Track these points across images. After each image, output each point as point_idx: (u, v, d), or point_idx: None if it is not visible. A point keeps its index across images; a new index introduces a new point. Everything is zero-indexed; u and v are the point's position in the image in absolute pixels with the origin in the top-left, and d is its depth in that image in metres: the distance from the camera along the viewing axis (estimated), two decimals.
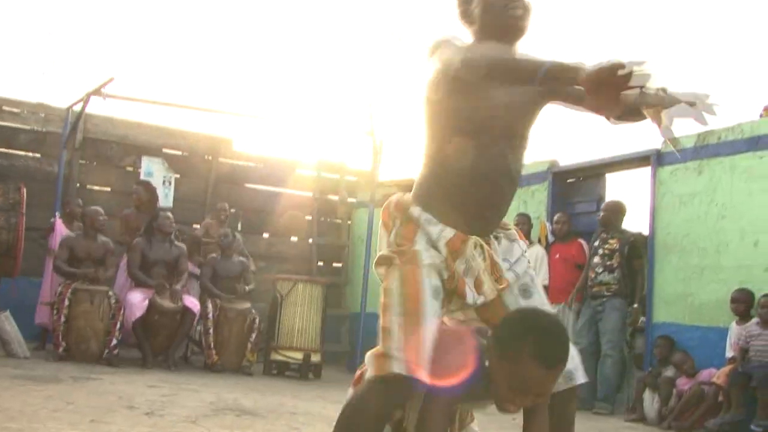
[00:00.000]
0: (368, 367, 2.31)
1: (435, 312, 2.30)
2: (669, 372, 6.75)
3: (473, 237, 2.39)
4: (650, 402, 6.78)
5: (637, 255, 7.47)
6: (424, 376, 2.19)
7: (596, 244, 7.65)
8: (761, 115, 6.87)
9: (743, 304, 6.34)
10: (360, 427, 2.30)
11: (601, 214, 7.71)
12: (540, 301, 2.52)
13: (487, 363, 2.29)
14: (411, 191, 2.49)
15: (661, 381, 6.69)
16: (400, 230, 2.43)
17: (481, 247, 2.40)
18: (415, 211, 2.42)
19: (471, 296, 2.38)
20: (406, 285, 2.31)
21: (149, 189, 8.87)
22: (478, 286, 2.39)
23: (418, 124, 2.51)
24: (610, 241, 7.54)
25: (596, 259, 7.58)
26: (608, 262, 7.48)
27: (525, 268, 2.53)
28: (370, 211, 9.81)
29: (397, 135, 15.31)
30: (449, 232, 2.37)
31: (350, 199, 11.91)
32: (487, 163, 2.38)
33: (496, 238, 2.49)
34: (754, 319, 6.20)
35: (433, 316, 2.29)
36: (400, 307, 2.29)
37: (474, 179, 2.38)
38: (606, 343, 7.33)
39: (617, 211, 7.68)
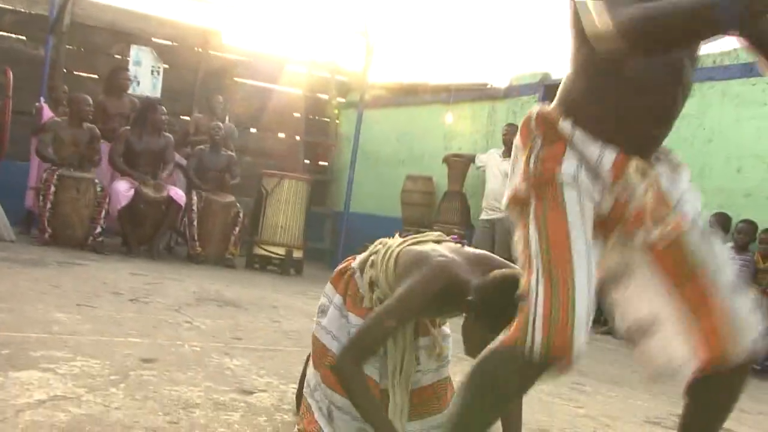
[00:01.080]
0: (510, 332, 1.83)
1: (590, 268, 1.80)
2: None
3: (634, 159, 1.89)
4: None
5: None
6: (575, 353, 1.74)
7: None
8: None
9: (719, 228, 6.43)
10: (494, 404, 1.89)
11: None
12: (721, 250, 1.95)
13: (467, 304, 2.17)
14: (556, 101, 1.97)
15: None
16: (543, 151, 1.89)
17: (644, 172, 1.89)
18: (566, 126, 1.89)
19: (642, 233, 1.91)
20: (550, 232, 1.81)
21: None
22: (641, 219, 1.91)
23: (567, 17, 1.96)
24: None
25: None
26: None
27: (695, 201, 2.01)
28: (359, 112, 9.81)
29: (391, 36, 15.10)
30: (611, 154, 1.87)
31: (340, 99, 11.86)
32: (664, 69, 1.88)
33: (657, 160, 1.97)
34: (728, 244, 6.33)
35: (588, 274, 1.79)
36: (545, 263, 1.78)
37: (646, 89, 1.88)
38: None
39: None
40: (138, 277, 6.02)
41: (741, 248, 6.24)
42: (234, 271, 7.74)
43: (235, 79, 10.91)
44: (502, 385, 1.86)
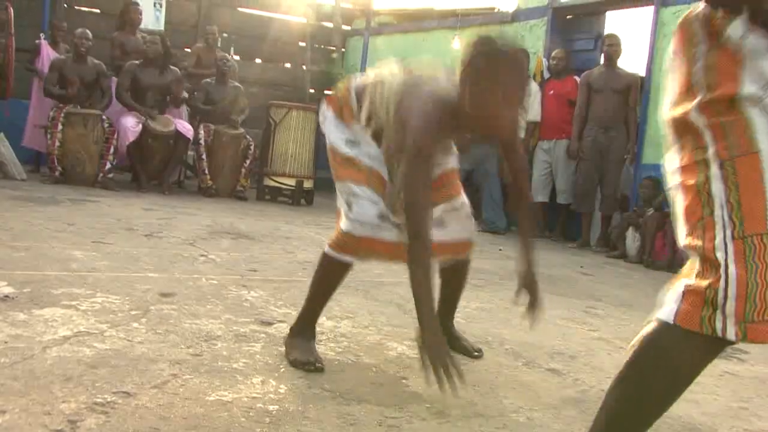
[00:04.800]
0: (671, 306, 1.51)
1: None
2: (651, 211, 6.93)
3: None
4: (632, 240, 7.00)
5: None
6: None
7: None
8: None
9: None
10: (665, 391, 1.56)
11: (610, 48, 7.40)
12: None
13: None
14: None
15: (643, 220, 6.88)
16: (713, 62, 1.48)
17: None
18: (736, 32, 1.45)
19: None
20: (742, 183, 1.42)
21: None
22: None
23: None
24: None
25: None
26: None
27: None
28: (365, 40, 9.69)
29: None
30: None
31: (345, 27, 11.69)
32: None
33: None
34: None
35: None
36: (736, 224, 1.42)
37: None
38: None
39: (620, 44, 7.46)
40: (150, 212, 6.05)
41: None
42: (245, 204, 7.76)
43: (239, 9, 10.74)
44: (676, 368, 1.53)
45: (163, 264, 3.95)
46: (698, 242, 1.46)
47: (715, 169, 1.44)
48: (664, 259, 6.55)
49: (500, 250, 6.50)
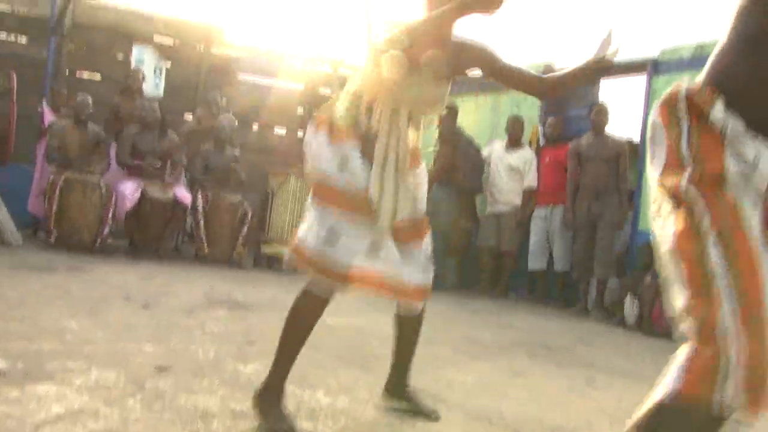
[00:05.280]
0: (675, 376, 1.52)
1: None
2: (649, 278, 6.91)
3: None
4: (630, 307, 6.97)
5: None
6: None
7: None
8: None
9: None
10: None
11: (597, 117, 7.56)
12: None
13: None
14: (705, 76, 1.67)
15: (642, 287, 6.86)
16: (697, 140, 1.60)
17: None
18: (718, 113, 1.57)
19: None
20: (739, 251, 1.49)
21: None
22: None
23: None
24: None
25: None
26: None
27: None
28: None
29: None
30: (767, 154, 1.57)
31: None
32: None
33: None
34: None
35: None
36: (738, 292, 1.46)
37: None
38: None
39: (607, 113, 7.59)
40: (147, 280, 6.02)
41: None
42: (242, 271, 7.73)
43: (238, 75, 10.88)
44: None
45: (159, 335, 3.91)
46: (701, 310, 1.49)
47: (712, 239, 1.50)
48: (663, 326, 6.51)
49: (499, 318, 6.46)
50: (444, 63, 2.66)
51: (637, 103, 7.72)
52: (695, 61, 6.98)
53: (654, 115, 1.69)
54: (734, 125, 1.56)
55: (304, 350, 2.88)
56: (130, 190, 7.47)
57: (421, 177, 2.83)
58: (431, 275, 2.85)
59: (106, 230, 7.41)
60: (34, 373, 2.88)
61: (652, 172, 1.66)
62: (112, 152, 7.99)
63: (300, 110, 11.24)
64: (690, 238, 1.53)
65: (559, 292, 8.04)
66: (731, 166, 1.54)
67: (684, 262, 1.53)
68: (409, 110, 2.69)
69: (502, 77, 2.81)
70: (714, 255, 1.49)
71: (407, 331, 2.97)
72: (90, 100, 7.73)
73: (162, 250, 7.71)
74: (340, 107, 2.70)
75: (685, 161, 1.58)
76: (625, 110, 7.84)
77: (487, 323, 6.11)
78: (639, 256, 7.12)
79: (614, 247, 7.42)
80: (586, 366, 4.66)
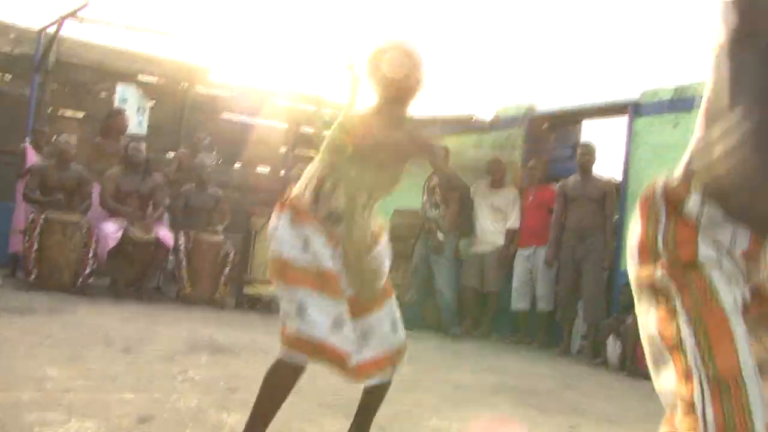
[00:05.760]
0: None
1: (756, 367, 1.56)
2: (632, 318, 6.92)
3: None
4: (613, 347, 6.97)
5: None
6: None
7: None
8: None
9: None
10: None
11: (583, 158, 7.55)
12: None
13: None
14: (683, 166, 1.74)
15: (624, 328, 6.87)
16: (672, 232, 1.68)
17: None
18: (693, 206, 1.66)
19: None
20: (710, 329, 1.56)
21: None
22: None
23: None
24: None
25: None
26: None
27: None
28: None
29: None
30: (744, 237, 1.65)
31: (326, 132, 11.85)
32: None
33: None
34: None
35: (756, 373, 1.55)
36: (708, 367, 1.54)
37: None
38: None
39: (593, 153, 7.63)
40: (128, 322, 5.97)
41: None
42: (224, 312, 7.68)
43: (222, 114, 10.91)
44: None
45: (140, 383, 3.87)
46: (680, 387, 1.57)
47: (684, 318, 1.58)
48: (646, 366, 6.50)
49: (482, 361, 6.45)
50: (388, 150, 2.77)
51: (619, 144, 7.79)
52: (675, 102, 7.09)
53: (635, 215, 1.77)
54: (710, 213, 1.64)
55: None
56: (112, 230, 7.44)
57: (382, 253, 2.90)
58: (400, 337, 2.87)
59: (87, 270, 7.34)
60: (13, 425, 2.83)
61: (631, 266, 1.75)
62: (95, 192, 7.95)
63: (283, 149, 11.27)
64: (667, 320, 1.61)
65: (542, 332, 8.03)
66: (703, 252, 1.62)
67: (664, 344, 1.61)
68: (368, 192, 2.79)
69: (436, 168, 3.22)
70: (685, 333, 1.57)
71: (371, 397, 2.97)
72: (73, 139, 7.70)
73: (143, 291, 7.66)
74: (303, 190, 2.77)
75: (660, 252, 1.67)
76: (607, 151, 7.89)
77: (470, 366, 6.09)
78: (621, 297, 7.13)
79: (602, 291, 7.39)
80: (571, 412, 4.64)
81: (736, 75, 1.61)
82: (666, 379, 1.62)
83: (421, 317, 8.16)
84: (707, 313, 1.56)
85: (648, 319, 1.68)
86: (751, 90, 1.59)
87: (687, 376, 1.56)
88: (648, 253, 1.69)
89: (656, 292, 1.65)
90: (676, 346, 1.58)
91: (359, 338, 2.73)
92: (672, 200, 1.69)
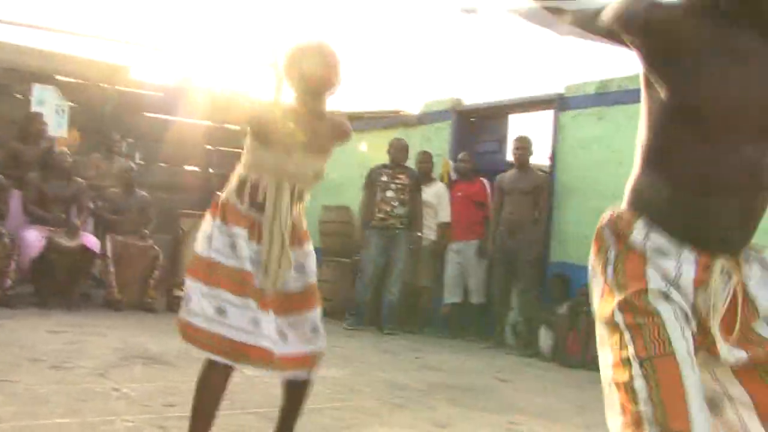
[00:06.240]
0: None
1: (707, 413, 1.58)
2: (563, 309, 7.05)
3: (719, 260, 1.67)
4: (544, 338, 7.10)
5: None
6: None
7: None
8: None
9: None
10: None
11: (518, 152, 7.59)
12: None
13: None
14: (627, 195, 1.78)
15: (555, 318, 7.00)
16: (621, 265, 1.69)
17: (729, 274, 1.68)
18: (638, 235, 1.68)
19: (725, 351, 1.65)
20: (660, 376, 1.56)
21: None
22: (725, 330, 1.67)
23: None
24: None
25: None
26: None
27: None
28: None
29: None
30: (690, 265, 1.65)
31: (248, 128, 11.69)
32: (733, 169, 1.63)
33: (746, 261, 1.72)
34: None
35: (706, 420, 1.56)
36: (659, 417, 1.53)
37: (714, 192, 1.64)
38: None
39: (527, 146, 7.64)
40: (57, 335, 5.79)
41: None
42: (155, 317, 7.51)
43: (145, 113, 10.65)
44: None
45: (73, 404, 3.75)
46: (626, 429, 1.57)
47: (636, 368, 1.57)
48: (577, 355, 6.66)
49: (417, 358, 6.49)
50: (308, 141, 2.84)
51: (545, 138, 7.91)
52: (600, 96, 7.22)
53: (591, 252, 1.78)
54: (654, 241, 1.66)
55: (224, 410, 2.85)
56: (34, 238, 7.19)
57: (308, 249, 2.97)
58: (319, 345, 2.93)
59: (9, 281, 7.08)
60: None
61: (593, 299, 1.75)
62: (13, 199, 7.66)
63: (209, 147, 11.09)
64: (621, 366, 1.60)
65: (475, 325, 8.12)
66: (652, 283, 1.62)
67: (619, 392, 1.60)
68: (292, 186, 2.84)
69: None
70: (638, 383, 1.56)
71: (292, 398, 3.01)
72: None
73: (71, 299, 7.44)
74: (230, 188, 2.88)
75: (614, 288, 1.67)
76: (534, 145, 7.96)
77: (406, 365, 6.12)
78: (552, 288, 7.27)
79: (534, 284, 7.45)
80: (508, 409, 4.71)
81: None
82: (614, 421, 1.63)
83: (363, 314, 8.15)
84: (660, 365, 1.55)
85: (604, 356, 1.69)
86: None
87: (637, 423, 1.55)
88: (605, 288, 1.70)
89: (614, 330, 1.64)
90: (627, 389, 1.58)
91: (280, 333, 2.80)
92: (618, 231, 1.71)
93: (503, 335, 7.68)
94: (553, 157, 7.70)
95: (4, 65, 9.56)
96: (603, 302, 1.69)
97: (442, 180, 8.57)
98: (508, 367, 6.50)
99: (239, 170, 2.91)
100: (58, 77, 9.87)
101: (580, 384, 5.79)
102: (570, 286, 7.17)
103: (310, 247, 3.00)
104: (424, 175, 8.31)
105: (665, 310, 1.60)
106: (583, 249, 6.61)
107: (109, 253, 7.68)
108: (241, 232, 2.78)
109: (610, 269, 1.69)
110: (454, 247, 8.19)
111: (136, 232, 7.96)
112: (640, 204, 1.71)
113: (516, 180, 7.51)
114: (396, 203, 7.95)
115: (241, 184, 2.86)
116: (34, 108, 9.22)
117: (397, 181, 8.00)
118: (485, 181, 8.19)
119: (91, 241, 7.53)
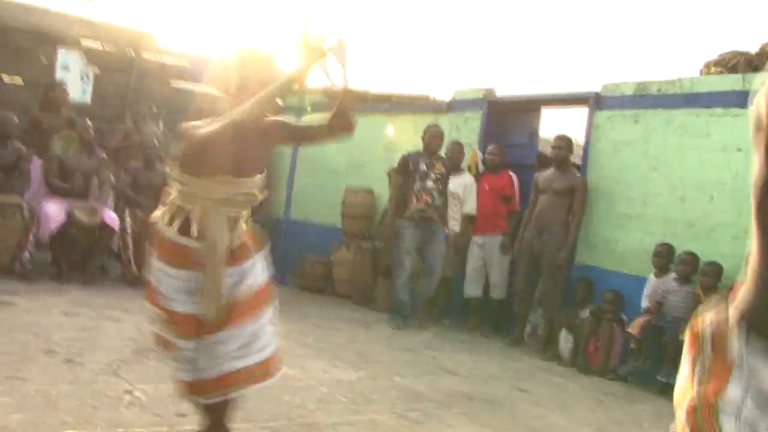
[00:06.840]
0: None
1: None
2: (585, 314, 6.91)
3: None
4: (564, 342, 6.97)
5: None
6: None
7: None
8: (701, 72, 6.85)
9: (664, 258, 6.48)
10: None
11: (557, 151, 7.33)
12: None
13: None
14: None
15: (578, 322, 6.86)
16: (709, 364, 1.57)
17: None
18: (736, 341, 1.50)
19: None
20: None
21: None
22: None
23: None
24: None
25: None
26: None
27: None
28: (298, 117, 9.57)
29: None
30: None
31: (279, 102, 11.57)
32: None
33: None
34: (672, 274, 6.37)
35: None
36: None
37: None
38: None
39: (564, 146, 7.37)
40: (72, 318, 5.73)
41: (683, 280, 6.26)
42: None
43: (170, 82, 10.51)
44: None
45: (84, 411, 3.67)
46: None
47: None
48: (598, 363, 6.53)
49: (433, 358, 6.37)
50: (235, 154, 2.81)
51: (578, 135, 7.70)
52: (637, 98, 7.00)
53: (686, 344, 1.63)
54: (754, 347, 1.45)
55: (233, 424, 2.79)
56: (54, 212, 7.12)
57: (246, 266, 2.90)
58: (246, 361, 2.85)
59: (27, 254, 7.02)
60: None
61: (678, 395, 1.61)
62: (33, 168, 7.59)
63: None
64: None
65: (494, 320, 8.00)
66: (730, 394, 1.45)
67: None
68: (226, 210, 2.82)
69: (298, 138, 3.60)
70: None
71: (213, 413, 2.94)
72: (12, 118, 7.28)
73: (88, 275, 7.37)
74: (163, 221, 2.86)
75: (694, 391, 1.53)
76: (575, 145, 7.72)
77: (422, 367, 6.01)
78: (575, 291, 7.11)
79: (558, 285, 7.25)
80: (524, 428, 4.60)
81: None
82: None
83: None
84: None
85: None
86: None
87: None
88: (690, 382, 1.56)
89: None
90: None
91: (204, 357, 2.81)
92: (717, 335, 1.55)
93: (523, 335, 7.55)
94: (585, 157, 7.48)
95: (29, 29, 9.43)
96: (684, 393, 1.57)
97: (469, 171, 8.38)
98: (527, 372, 6.38)
99: (171, 199, 2.87)
100: (84, 42, 9.74)
101: (599, 396, 5.67)
102: (594, 290, 7.02)
103: (251, 260, 2.93)
104: (453, 165, 8.10)
105: (727, 421, 1.46)
106: (609, 254, 6.54)
107: (128, 229, 7.60)
108: (168, 269, 2.83)
109: (698, 371, 1.55)
110: (478, 241, 8.04)
111: (157, 209, 7.84)
112: (743, 309, 1.49)
113: (551, 179, 7.28)
114: (436, 194, 7.70)
115: (174, 214, 2.83)
116: (59, 73, 9.13)
117: (435, 171, 7.77)
118: (512, 174, 8.01)
119: (111, 217, 7.44)
